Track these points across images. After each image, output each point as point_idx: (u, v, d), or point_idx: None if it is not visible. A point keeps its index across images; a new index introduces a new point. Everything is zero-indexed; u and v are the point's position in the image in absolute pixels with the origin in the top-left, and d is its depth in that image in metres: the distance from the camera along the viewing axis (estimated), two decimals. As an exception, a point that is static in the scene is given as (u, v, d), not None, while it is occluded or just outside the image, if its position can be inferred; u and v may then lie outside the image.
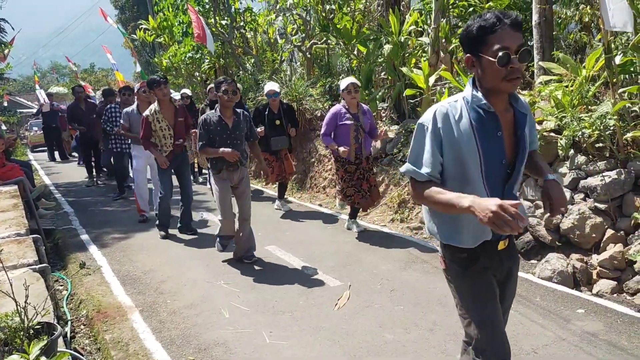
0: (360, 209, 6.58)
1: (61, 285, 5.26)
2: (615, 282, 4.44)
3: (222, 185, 5.23)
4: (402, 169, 2.20)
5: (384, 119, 8.58)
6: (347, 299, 4.44)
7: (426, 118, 2.12)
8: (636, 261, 4.35)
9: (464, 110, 2.08)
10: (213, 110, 5.19)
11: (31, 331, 2.74)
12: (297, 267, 5.34)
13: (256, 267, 5.37)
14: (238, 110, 5.30)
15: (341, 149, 5.84)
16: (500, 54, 1.92)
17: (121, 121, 7.49)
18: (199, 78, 14.73)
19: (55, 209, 8.57)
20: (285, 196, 9.05)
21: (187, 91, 10.34)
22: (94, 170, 11.23)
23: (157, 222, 6.64)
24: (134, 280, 5.18)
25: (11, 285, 2.78)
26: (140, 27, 16.16)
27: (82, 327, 4.33)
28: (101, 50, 17.90)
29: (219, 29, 12.60)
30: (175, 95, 9.86)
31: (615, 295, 4.36)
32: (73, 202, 9.26)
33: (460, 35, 2.10)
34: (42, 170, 14.44)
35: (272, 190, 9.58)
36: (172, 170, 6.49)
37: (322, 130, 6.15)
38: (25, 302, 2.74)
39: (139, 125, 6.75)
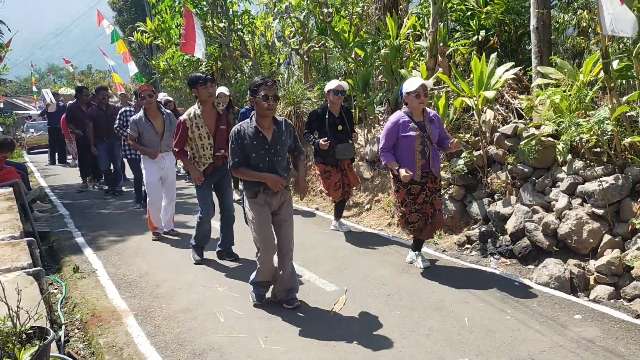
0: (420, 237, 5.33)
1: (56, 289, 5.22)
2: (613, 288, 4.42)
3: (261, 213, 4.21)
4: None
5: (381, 122, 8.56)
6: (343, 304, 4.41)
7: None
8: (633, 267, 4.34)
9: None
10: (248, 120, 4.23)
11: (23, 336, 2.71)
12: (294, 271, 5.31)
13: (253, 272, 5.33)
14: (279, 118, 4.30)
15: (402, 172, 4.71)
16: None
17: (128, 130, 6.72)
18: (196, 81, 14.71)
19: (50, 212, 8.52)
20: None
21: (224, 90, 8.51)
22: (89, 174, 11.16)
23: (194, 242, 5.71)
24: (129, 283, 5.14)
25: (3, 289, 2.75)
26: (137, 29, 16.14)
27: (76, 331, 4.30)
28: (99, 52, 17.83)
29: (217, 31, 12.59)
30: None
31: (612, 301, 4.34)
32: (69, 204, 9.22)
33: None
34: (37, 172, 14.39)
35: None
36: (212, 187, 5.60)
37: (381, 144, 4.94)
38: (18, 306, 2.70)
39: (149, 134, 6.41)
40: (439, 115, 5.36)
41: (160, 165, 6.53)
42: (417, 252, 5.33)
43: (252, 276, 4.50)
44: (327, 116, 6.25)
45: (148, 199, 6.66)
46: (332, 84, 6.24)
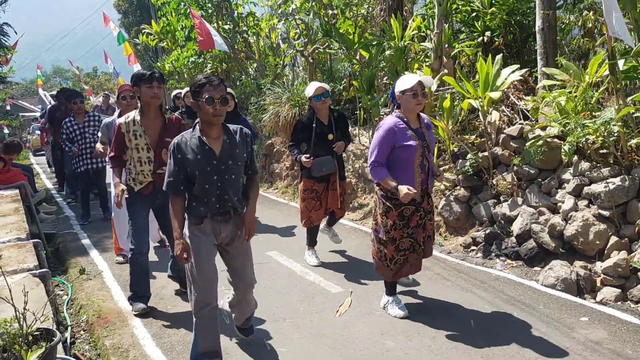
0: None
1: (62, 290, 5.24)
2: (620, 290, 4.40)
3: (201, 244, 3.26)
4: None
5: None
6: (349, 306, 4.41)
7: None
8: (640, 269, 4.32)
9: None
10: (190, 130, 3.28)
11: (30, 337, 2.72)
12: (298, 273, 5.31)
13: (257, 273, 5.33)
14: (231, 127, 3.33)
15: (403, 189, 3.75)
16: None
17: (99, 134, 5.78)
18: (201, 83, 14.75)
19: (56, 213, 8.56)
20: (286, 200, 9.02)
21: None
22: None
23: (130, 291, 4.55)
24: (135, 285, 5.15)
25: (10, 290, 2.76)
26: (143, 31, 16.21)
27: (82, 332, 4.31)
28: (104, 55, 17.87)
29: (222, 33, 12.61)
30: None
31: (619, 303, 4.32)
32: (74, 206, 9.24)
33: None
34: (43, 174, 14.45)
35: (281, 198, 9.56)
36: (150, 210, 4.52)
37: (372, 158, 3.95)
38: (24, 307, 2.72)
39: None
40: (437, 119, 4.82)
41: None
42: (393, 297, 4.32)
43: (192, 347, 3.39)
44: (314, 125, 5.24)
45: (114, 212, 5.71)
46: (310, 90, 5.23)
